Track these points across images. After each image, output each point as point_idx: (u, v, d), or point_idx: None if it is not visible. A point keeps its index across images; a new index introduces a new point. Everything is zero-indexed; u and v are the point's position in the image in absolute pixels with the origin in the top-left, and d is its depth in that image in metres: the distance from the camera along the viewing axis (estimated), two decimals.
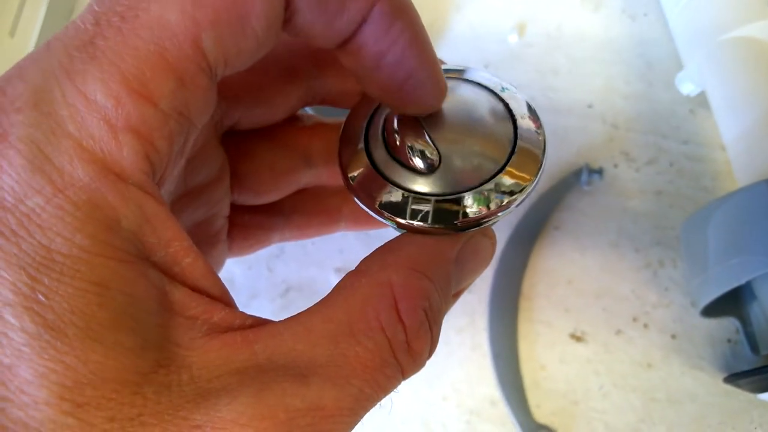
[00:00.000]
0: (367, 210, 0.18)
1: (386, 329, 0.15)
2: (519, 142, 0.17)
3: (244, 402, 0.13)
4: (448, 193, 0.17)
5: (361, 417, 0.14)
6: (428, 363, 0.34)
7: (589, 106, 0.39)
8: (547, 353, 0.34)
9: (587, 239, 0.36)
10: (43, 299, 0.12)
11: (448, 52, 0.43)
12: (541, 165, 0.17)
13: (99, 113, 0.13)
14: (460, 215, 0.17)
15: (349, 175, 0.18)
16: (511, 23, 0.42)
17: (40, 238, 0.12)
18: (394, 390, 0.16)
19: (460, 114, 0.18)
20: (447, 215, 0.17)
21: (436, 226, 0.17)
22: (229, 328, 0.14)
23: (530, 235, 0.36)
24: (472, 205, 0.17)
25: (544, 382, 0.34)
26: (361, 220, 0.25)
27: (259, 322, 0.15)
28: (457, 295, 0.18)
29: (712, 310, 0.31)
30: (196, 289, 0.14)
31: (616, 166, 0.37)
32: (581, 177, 0.36)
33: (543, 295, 0.35)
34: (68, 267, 0.12)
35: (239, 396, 0.13)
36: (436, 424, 0.33)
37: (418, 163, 0.17)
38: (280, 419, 0.13)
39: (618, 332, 0.34)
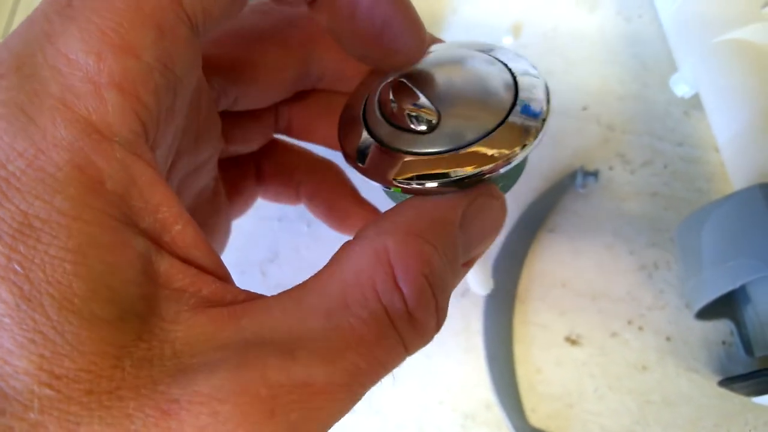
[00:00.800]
0: (366, 178, 0.17)
1: (382, 297, 0.14)
2: (521, 94, 0.17)
3: (223, 377, 0.12)
4: (445, 150, 0.16)
5: (361, 395, 0.14)
6: (422, 366, 0.34)
7: (584, 108, 0.39)
8: (543, 356, 0.34)
9: (582, 241, 0.36)
10: (18, 269, 0.11)
11: None
12: (544, 118, 0.16)
13: (81, 71, 0.12)
14: (459, 173, 0.15)
15: (347, 148, 0.18)
16: (507, 24, 0.42)
17: (19, 203, 0.12)
18: (398, 365, 0.15)
19: (457, 75, 0.17)
20: (445, 172, 0.16)
21: (434, 184, 0.16)
22: (219, 302, 0.14)
23: (525, 237, 0.36)
24: (471, 159, 0.16)
25: (539, 385, 0.34)
26: (317, 201, 0.25)
27: (252, 297, 0.14)
28: (467, 265, 0.17)
29: (707, 312, 0.31)
30: (185, 260, 0.14)
31: (611, 168, 0.37)
32: (576, 179, 0.36)
33: (538, 297, 0.35)
34: (45, 233, 0.12)
35: (219, 371, 0.12)
36: (431, 427, 0.33)
37: (415, 123, 0.16)
38: (261, 395, 0.12)
39: (613, 335, 0.34)
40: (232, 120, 0.22)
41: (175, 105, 0.15)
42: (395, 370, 0.15)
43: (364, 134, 0.18)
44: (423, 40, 0.17)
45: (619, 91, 0.39)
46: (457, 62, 0.18)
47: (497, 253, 0.36)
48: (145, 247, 0.13)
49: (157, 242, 0.13)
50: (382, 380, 0.15)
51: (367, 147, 0.17)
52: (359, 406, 0.35)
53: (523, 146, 0.16)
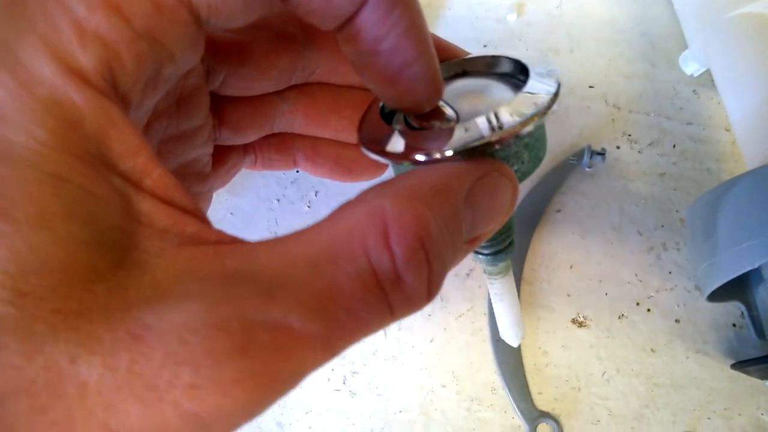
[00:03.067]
0: (373, 156, 0.17)
1: (371, 255, 0.13)
2: (532, 77, 0.17)
3: (198, 309, 0.12)
4: (453, 119, 0.16)
5: (339, 350, 0.13)
6: (426, 349, 0.34)
7: (591, 87, 0.38)
8: (549, 339, 0.33)
9: (589, 222, 0.35)
10: None
11: (445, 33, 0.41)
12: (556, 94, 0.16)
13: (70, 16, 0.13)
14: (466, 138, 0.15)
15: (362, 133, 0.18)
16: (510, 1, 0.41)
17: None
18: (383, 328, 0.14)
19: (475, 84, 0.18)
20: (452, 141, 0.16)
21: (439, 155, 0.16)
22: (204, 242, 0.13)
23: (531, 218, 0.35)
24: (477, 128, 0.16)
25: (545, 368, 0.33)
26: (320, 159, 0.25)
27: (237, 240, 0.14)
28: (473, 242, 0.16)
29: (717, 294, 0.30)
30: (167, 202, 0.14)
31: (618, 147, 0.36)
32: (583, 159, 0.35)
33: (544, 279, 0.34)
34: (24, 158, 0.12)
35: (195, 303, 0.12)
36: (435, 412, 0.32)
37: (437, 125, 0.17)
38: (234, 330, 0.12)
39: (621, 317, 0.33)
40: (228, 106, 0.22)
41: (160, 76, 0.15)
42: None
43: (383, 125, 0.18)
44: (438, 91, 0.17)
45: (626, 69, 0.38)
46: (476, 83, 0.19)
47: None
48: (123, 187, 0.13)
49: (137, 185, 0.13)
50: (382, 330, 0.14)
51: (385, 134, 0.17)
52: (361, 388, 0.34)
53: (531, 120, 0.16)
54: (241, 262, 0.13)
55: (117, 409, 0.11)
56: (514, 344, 0.30)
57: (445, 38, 0.21)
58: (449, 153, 0.15)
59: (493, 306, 0.28)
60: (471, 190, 0.15)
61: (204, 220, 0.14)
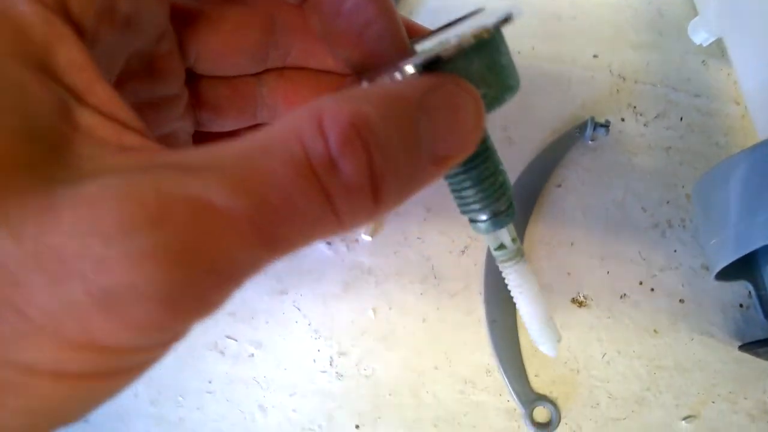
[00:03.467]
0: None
1: (304, 141, 0.13)
2: (489, 17, 0.18)
3: (113, 182, 0.12)
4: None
5: (278, 244, 0.13)
6: (418, 329, 0.32)
7: (595, 56, 0.36)
8: None
9: (591, 198, 0.33)
10: None
11: None
12: (506, 16, 0.17)
13: None
14: (415, 60, 0.16)
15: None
16: None
17: None
18: (331, 232, 0.14)
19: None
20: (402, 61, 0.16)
21: (389, 76, 0.16)
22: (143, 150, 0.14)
23: (530, 192, 0.33)
24: (426, 49, 0.17)
25: None
26: (284, 99, 0.24)
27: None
28: (440, 163, 0.16)
29: (725, 273, 0.29)
30: (109, 117, 0.14)
31: (622, 120, 0.34)
32: (586, 131, 0.33)
33: (543, 257, 0.32)
34: None
35: (113, 178, 0.12)
36: (426, 395, 0.31)
37: None
38: (149, 201, 0.11)
39: (623, 296, 0.32)
40: (206, 85, 0.22)
41: (116, 11, 0.15)
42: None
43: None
44: (403, 46, 0.18)
45: (631, 38, 0.36)
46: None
47: None
48: (66, 97, 0.13)
49: (79, 98, 0.13)
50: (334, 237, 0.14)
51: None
52: (348, 370, 0.32)
53: (481, 33, 0.16)
54: (172, 157, 0.13)
55: (22, 285, 0.11)
56: (551, 352, 0.26)
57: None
58: (398, 75, 0.16)
59: (517, 305, 0.26)
60: (426, 99, 0.15)
61: (147, 136, 0.14)
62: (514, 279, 0.25)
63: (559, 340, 0.26)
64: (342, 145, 0.13)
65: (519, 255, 0.24)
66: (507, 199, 0.21)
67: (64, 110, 0.13)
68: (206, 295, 0.12)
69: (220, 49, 0.21)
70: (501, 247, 0.23)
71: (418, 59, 0.16)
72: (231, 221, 0.12)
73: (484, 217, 0.21)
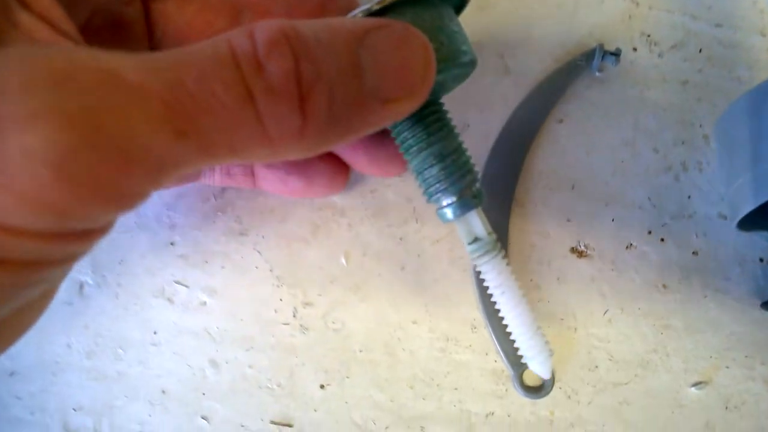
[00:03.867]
0: None
1: (232, 40, 0.13)
2: None
3: (32, 49, 0.12)
4: None
5: (187, 126, 0.12)
6: (395, 279, 0.28)
7: None
8: (543, 270, 0.28)
9: (597, 135, 0.29)
10: None
11: None
12: None
13: None
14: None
15: None
16: None
17: None
18: (249, 136, 0.14)
19: None
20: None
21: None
22: None
23: (527, 129, 0.29)
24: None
25: (537, 304, 0.28)
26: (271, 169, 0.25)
27: None
28: (388, 104, 0.16)
29: (747, 221, 0.25)
30: (48, 23, 0.14)
31: (635, 49, 0.30)
32: (593, 61, 0.29)
33: (540, 201, 0.29)
34: None
35: (34, 47, 0.12)
36: (402, 352, 0.27)
37: None
38: (58, 65, 0.11)
39: (629, 247, 0.28)
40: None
41: None
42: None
43: None
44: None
45: None
46: None
47: (492, 145, 0.29)
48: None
49: (21, 2, 0.14)
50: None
51: None
52: (314, 322, 0.28)
53: None
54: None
55: None
56: (543, 371, 0.24)
57: None
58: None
59: (500, 311, 0.23)
60: (369, 35, 0.15)
61: (82, 43, 0.15)
62: (492, 278, 0.22)
63: (551, 355, 0.23)
64: (269, 45, 0.13)
65: (495, 249, 0.22)
66: (472, 179, 0.21)
67: (5, 10, 0.14)
68: (112, 176, 0.11)
69: (185, 30, 0.20)
70: (475, 240, 0.22)
71: (367, 6, 0.17)
72: (140, 96, 0.12)
73: (449, 201, 0.21)
